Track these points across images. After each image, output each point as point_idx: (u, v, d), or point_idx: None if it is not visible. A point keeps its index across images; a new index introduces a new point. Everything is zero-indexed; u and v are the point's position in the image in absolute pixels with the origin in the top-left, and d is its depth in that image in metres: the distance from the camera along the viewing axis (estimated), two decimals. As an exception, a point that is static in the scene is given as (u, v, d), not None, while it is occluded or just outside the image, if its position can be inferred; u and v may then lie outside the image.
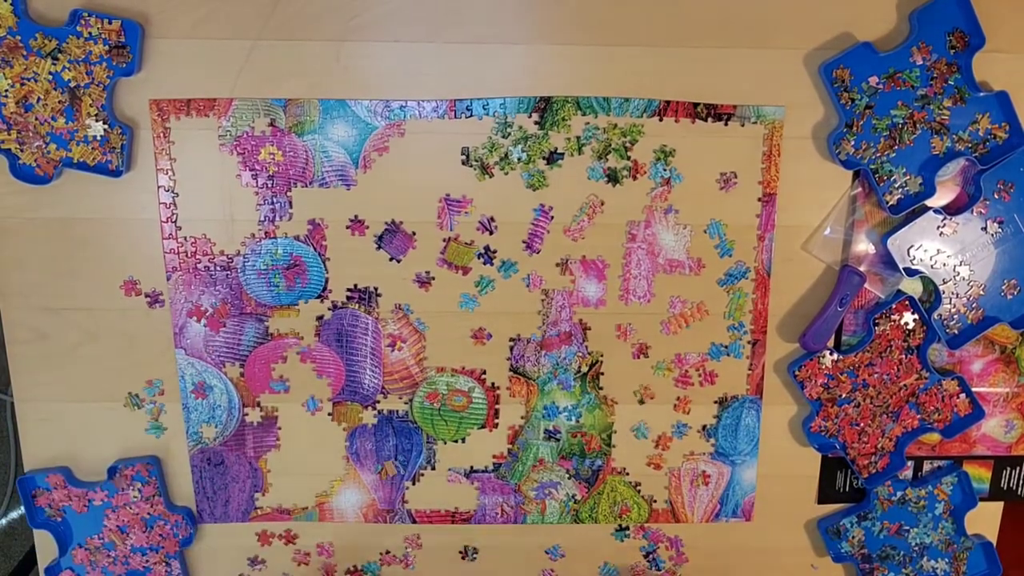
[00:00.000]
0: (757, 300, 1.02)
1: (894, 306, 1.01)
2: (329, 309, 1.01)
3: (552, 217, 0.99)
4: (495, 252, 1.00)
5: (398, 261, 0.99)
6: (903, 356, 1.03)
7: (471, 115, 0.96)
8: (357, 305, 1.01)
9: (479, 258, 1.00)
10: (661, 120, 0.96)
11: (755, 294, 1.02)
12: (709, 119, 0.97)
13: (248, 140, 0.96)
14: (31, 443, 1.04)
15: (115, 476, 1.03)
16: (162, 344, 1.01)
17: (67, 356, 1.01)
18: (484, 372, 1.04)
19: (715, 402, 1.06)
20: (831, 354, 1.03)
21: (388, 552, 1.10)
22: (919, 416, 1.05)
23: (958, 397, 1.04)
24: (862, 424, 1.05)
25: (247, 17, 0.92)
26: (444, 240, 0.99)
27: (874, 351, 1.03)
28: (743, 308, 1.02)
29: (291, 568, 1.10)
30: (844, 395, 1.04)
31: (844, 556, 1.10)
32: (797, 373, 1.03)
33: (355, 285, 1.00)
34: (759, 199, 0.99)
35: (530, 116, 0.96)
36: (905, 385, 1.04)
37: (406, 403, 1.04)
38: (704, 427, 1.07)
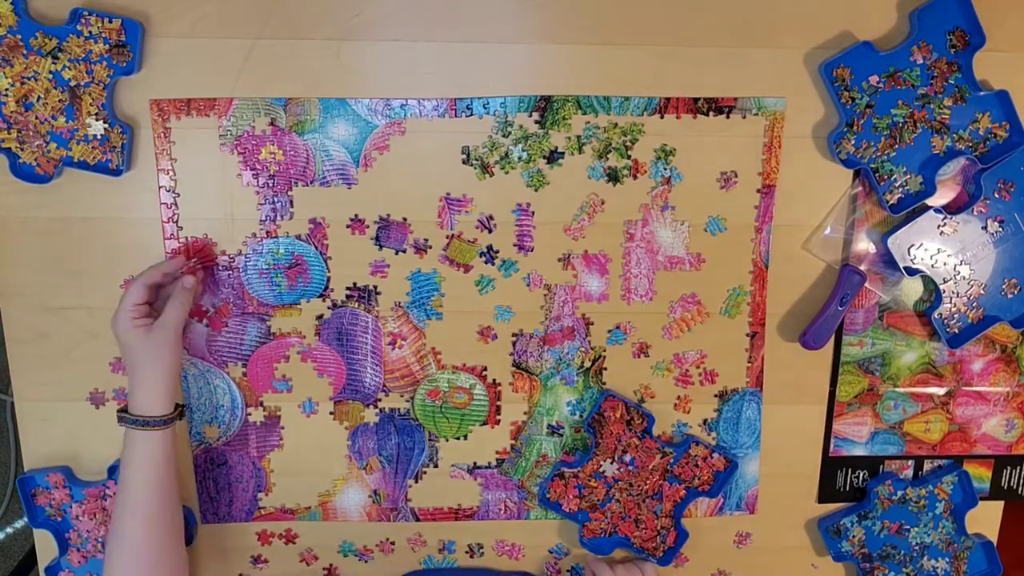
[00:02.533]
0: (755, 292, 1.03)
1: (603, 406, 1.02)
2: (329, 308, 1.01)
3: (533, 213, 0.99)
4: (497, 252, 1.00)
5: (403, 252, 0.99)
6: (637, 442, 1.04)
7: (471, 114, 0.96)
8: (357, 303, 1.01)
9: (481, 257, 1.00)
10: (662, 118, 0.97)
11: (753, 286, 1.02)
12: (711, 113, 0.97)
13: (249, 139, 0.96)
14: (31, 443, 1.04)
15: (116, 475, 1.02)
16: (162, 344, 1.01)
17: (67, 356, 1.00)
18: (485, 369, 1.04)
19: (715, 396, 1.06)
20: (571, 467, 1.04)
21: (386, 541, 1.10)
22: (683, 487, 1.06)
23: (711, 457, 1.05)
24: (632, 515, 1.06)
25: (247, 16, 0.92)
26: (447, 237, 0.99)
27: (605, 453, 1.04)
28: (741, 303, 1.03)
29: (296, 567, 1.10)
30: (601, 498, 1.05)
31: (844, 555, 1.10)
32: (549, 496, 1.05)
33: (354, 283, 1.00)
34: (758, 190, 0.99)
35: (530, 115, 0.96)
36: (655, 467, 1.05)
37: (407, 401, 1.04)
38: (705, 421, 1.07)
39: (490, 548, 1.10)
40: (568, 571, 1.12)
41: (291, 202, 0.98)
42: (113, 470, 1.02)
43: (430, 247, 1.00)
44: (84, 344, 1.00)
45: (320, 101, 0.95)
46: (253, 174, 0.97)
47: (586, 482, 1.05)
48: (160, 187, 0.96)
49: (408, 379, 1.04)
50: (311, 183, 0.97)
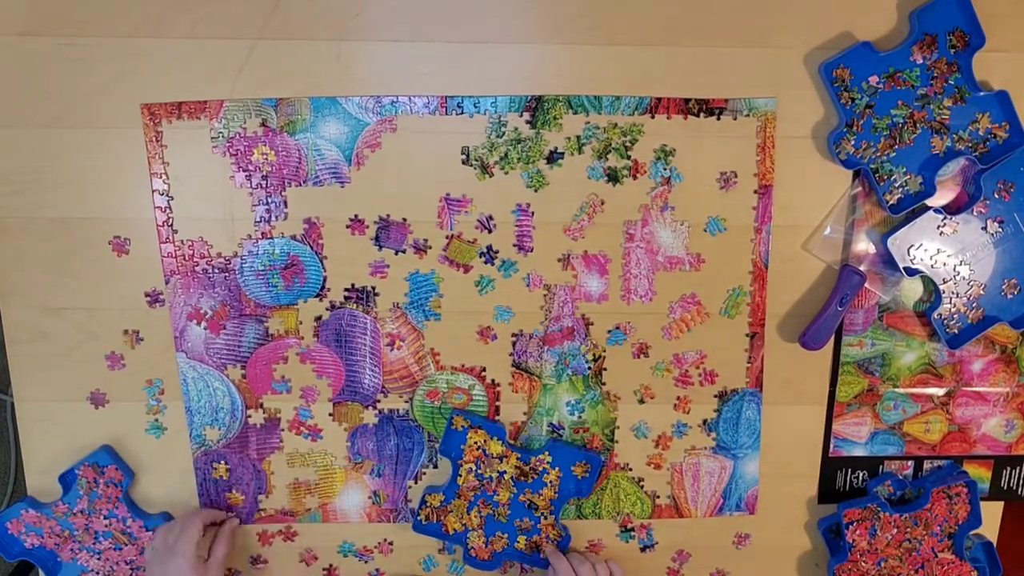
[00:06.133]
0: (755, 293, 1.03)
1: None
2: (327, 309, 1.01)
3: (533, 213, 0.99)
4: (497, 252, 1.00)
5: (403, 252, 0.99)
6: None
7: (462, 112, 0.96)
8: (355, 305, 1.01)
9: (481, 257, 1.00)
10: (653, 117, 0.96)
11: (753, 287, 1.02)
12: (701, 114, 0.97)
13: (240, 141, 0.96)
14: (31, 443, 1.04)
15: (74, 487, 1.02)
16: (162, 344, 1.01)
17: (67, 356, 1.01)
18: (484, 369, 1.04)
19: (715, 396, 1.06)
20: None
21: (381, 543, 1.10)
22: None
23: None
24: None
25: (247, 17, 0.92)
26: (447, 237, 0.99)
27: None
28: (741, 303, 1.03)
29: (296, 567, 1.10)
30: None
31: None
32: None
33: (352, 284, 1.00)
34: (755, 191, 0.99)
35: (521, 115, 0.96)
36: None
37: (406, 402, 1.04)
38: (704, 421, 1.06)
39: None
40: None
41: (285, 202, 0.98)
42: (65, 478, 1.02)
43: (430, 247, 1.00)
44: (84, 344, 1.00)
45: (311, 100, 0.95)
46: (246, 175, 0.97)
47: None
48: (154, 190, 0.96)
49: (407, 380, 1.04)
50: (304, 183, 0.97)
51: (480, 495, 1.04)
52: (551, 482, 1.04)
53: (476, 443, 1.02)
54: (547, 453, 1.04)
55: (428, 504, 1.05)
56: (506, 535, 1.06)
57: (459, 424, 1.02)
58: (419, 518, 1.05)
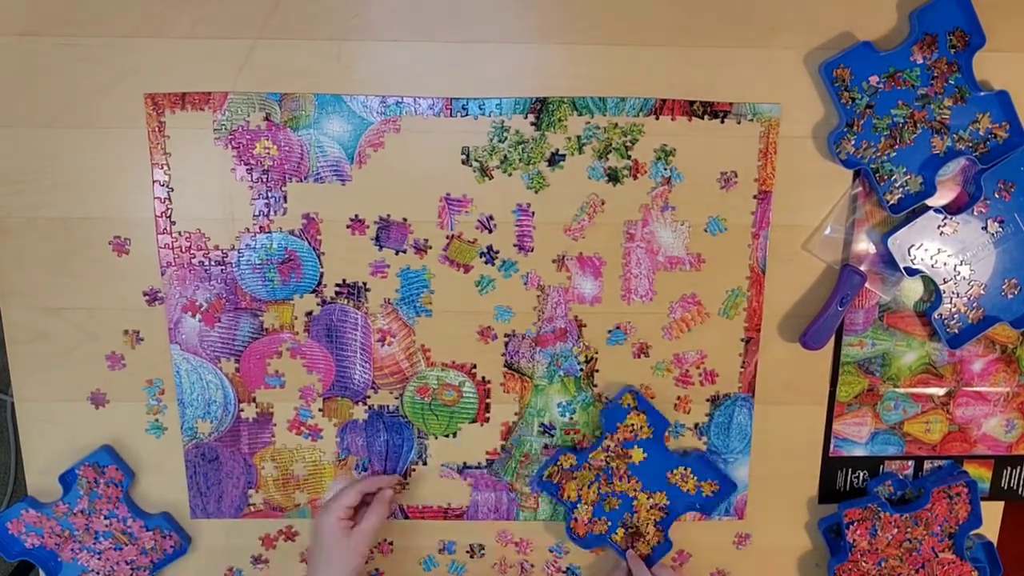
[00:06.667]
0: (752, 298, 1.02)
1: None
2: (318, 304, 1.01)
3: (533, 213, 0.99)
4: (497, 252, 1.00)
5: (403, 252, 0.99)
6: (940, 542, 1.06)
7: (467, 114, 0.96)
8: (346, 300, 1.01)
9: (481, 257, 1.00)
10: (658, 119, 0.96)
11: (750, 291, 1.02)
12: (705, 116, 0.97)
13: (243, 134, 0.96)
14: (31, 443, 1.04)
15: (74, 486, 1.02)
16: (162, 344, 1.01)
17: (67, 356, 1.01)
18: (475, 366, 1.04)
19: (707, 400, 1.06)
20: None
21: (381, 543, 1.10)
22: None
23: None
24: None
25: (247, 16, 0.92)
26: (447, 237, 0.99)
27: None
28: (739, 305, 1.02)
29: (296, 567, 1.10)
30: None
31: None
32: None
33: (343, 280, 1.00)
34: (754, 196, 0.99)
35: (526, 117, 0.96)
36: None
37: (397, 398, 1.04)
38: (696, 425, 1.06)
39: (492, 542, 1.10)
40: (564, 571, 1.11)
41: (284, 197, 0.97)
42: (64, 477, 1.02)
43: (430, 247, 0.99)
44: (84, 344, 1.00)
45: (315, 97, 0.95)
46: (247, 169, 0.97)
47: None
48: (154, 181, 0.96)
49: (397, 376, 1.04)
50: (305, 179, 0.97)
51: (605, 471, 1.04)
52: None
53: (632, 426, 1.02)
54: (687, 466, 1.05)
55: (559, 464, 1.05)
56: (610, 522, 1.06)
57: (627, 401, 1.02)
58: (544, 474, 1.05)
